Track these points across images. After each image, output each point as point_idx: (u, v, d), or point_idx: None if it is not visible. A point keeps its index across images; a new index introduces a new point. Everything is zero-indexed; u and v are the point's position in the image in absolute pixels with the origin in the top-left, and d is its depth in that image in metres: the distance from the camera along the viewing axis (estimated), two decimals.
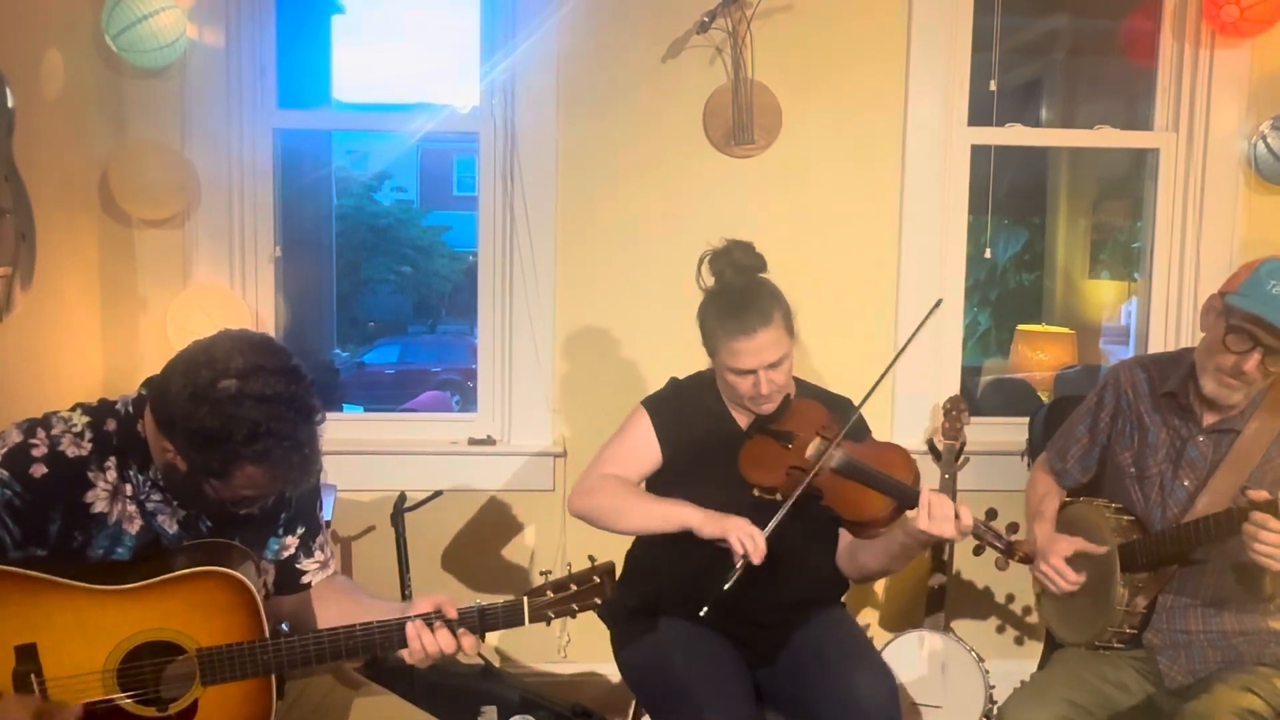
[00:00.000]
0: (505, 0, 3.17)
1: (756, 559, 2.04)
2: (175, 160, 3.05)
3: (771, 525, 2.10)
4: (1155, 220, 3.41)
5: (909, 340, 2.29)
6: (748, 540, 2.05)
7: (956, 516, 2.02)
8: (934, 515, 2.01)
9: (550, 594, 1.79)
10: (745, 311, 2.19)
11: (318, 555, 1.95)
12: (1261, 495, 2.01)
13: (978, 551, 2.15)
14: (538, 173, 3.19)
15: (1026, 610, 3.41)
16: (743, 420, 2.35)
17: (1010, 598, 3.42)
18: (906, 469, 2.12)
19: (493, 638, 3.30)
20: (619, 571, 2.39)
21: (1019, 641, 3.43)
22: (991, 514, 2.13)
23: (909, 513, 2.08)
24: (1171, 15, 3.32)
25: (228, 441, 1.60)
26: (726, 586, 2.05)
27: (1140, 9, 3.61)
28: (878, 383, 2.30)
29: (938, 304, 2.40)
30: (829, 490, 2.14)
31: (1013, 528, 2.08)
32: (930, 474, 3.22)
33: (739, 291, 2.25)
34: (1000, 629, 3.43)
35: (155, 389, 1.69)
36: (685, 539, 2.18)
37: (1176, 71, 3.34)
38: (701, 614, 2.08)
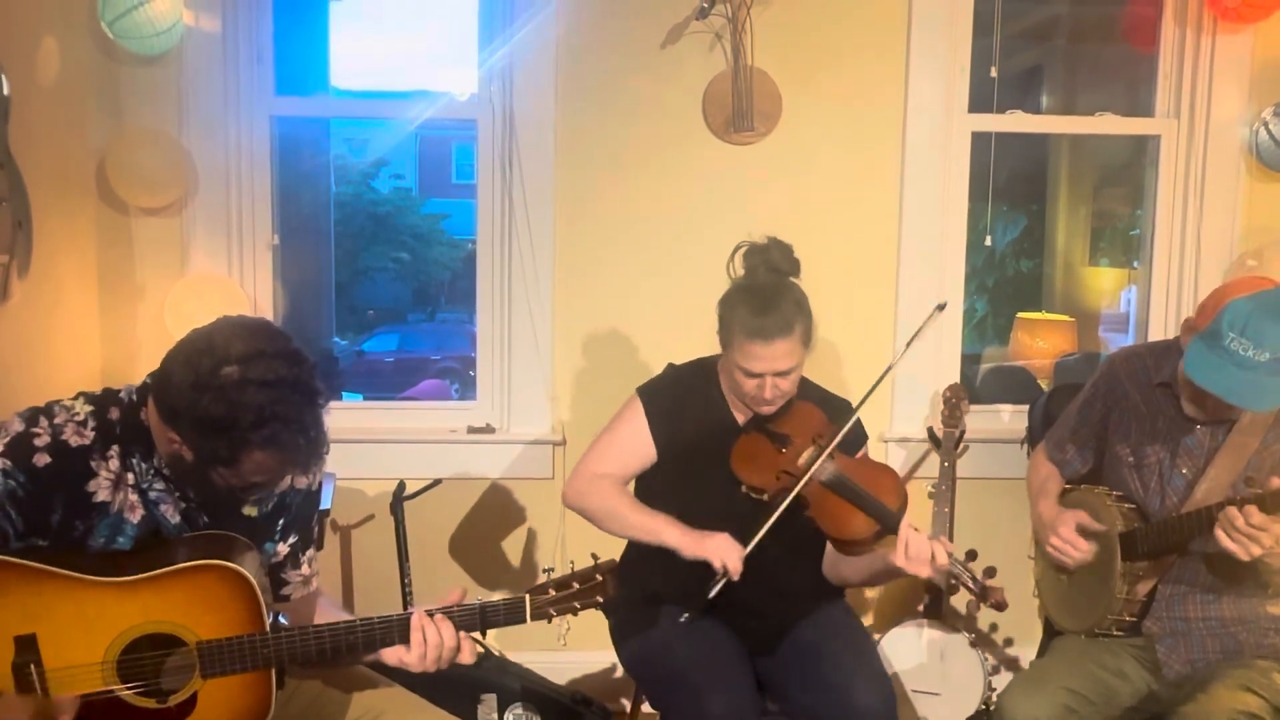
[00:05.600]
0: None
1: (734, 576, 2.10)
2: (172, 148, 3.03)
3: (754, 542, 2.13)
4: (1156, 207, 3.39)
5: (910, 341, 2.27)
6: (729, 560, 2.10)
7: (933, 556, 2.01)
8: (910, 555, 2.01)
9: (552, 592, 1.79)
10: (768, 316, 2.17)
11: (304, 569, 1.93)
12: (1270, 485, 2.00)
13: (951, 591, 2.14)
14: (536, 160, 3.17)
15: (1025, 605, 3.40)
16: (740, 416, 2.35)
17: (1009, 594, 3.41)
18: (895, 494, 2.11)
19: None
20: (620, 559, 2.41)
21: (1018, 632, 3.43)
22: (971, 555, 2.13)
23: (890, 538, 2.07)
24: (1173, 1, 3.30)
25: (233, 428, 1.59)
26: (710, 596, 2.11)
27: None
28: (874, 387, 2.29)
29: (941, 307, 2.39)
30: (815, 502, 2.14)
31: (989, 572, 2.07)
32: (931, 462, 3.22)
33: (767, 293, 2.21)
34: (999, 619, 3.43)
35: (157, 380, 1.67)
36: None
37: (1178, 58, 3.32)
38: (682, 619, 2.15)
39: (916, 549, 2.01)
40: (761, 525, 2.13)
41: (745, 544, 2.12)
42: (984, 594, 2.04)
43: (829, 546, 2.33)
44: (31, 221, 2.60)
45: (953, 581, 2.08)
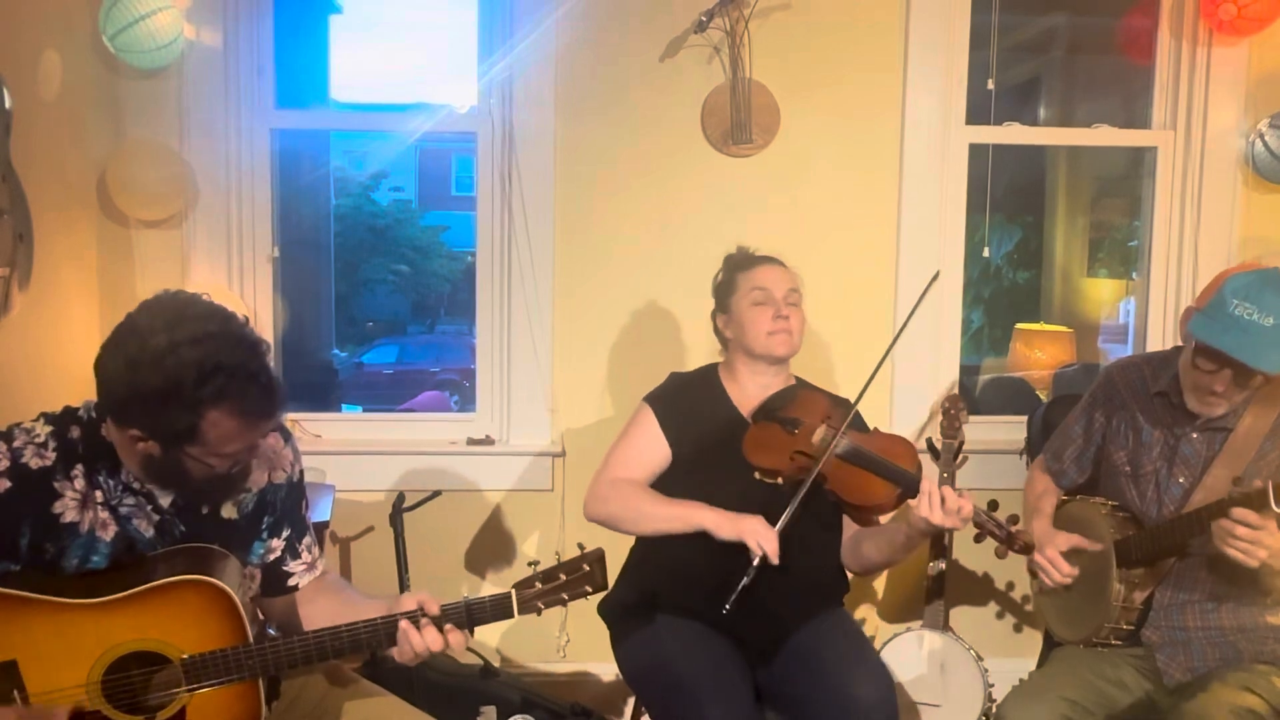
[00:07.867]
0: None
1: (773, 559, 2.11)
2: (173, 160, 3.04)
3: (783, 521, 2.14)
4: (1153, 219, 3.41)
5: (910, 315, 2.40)
6: (765, 542, 2.11)
7: (959, 508, 2.07)
8: (934, 506, 2.07)
9: (539, 585, 1.77)
10: (764, 257, 2.44)
11: (305, 556, 1.93)
12: (1254, 485, 2.02)
13: (978, 539, 2.17)
14: (536, 172, 3.18)
15: (1026, 600, 3.41)
16: (746, 410, 2.39)
17: (1010, 585, 3.41)
18: (910, 458, 2.19)
19: (491, 638, 3.30)
20: (621, 567, 2.42)
21: (1017, 628, 3.43)
22: (993, 505, 2.17)
23: (910, 502, 2.12)
24: (1169, 13, 3.32)
25: (178, 393, 1.57)
26: (745, 582, 2.10)
27: (1138, 7, 3.61)
28: (880, 364, 2.35)
29: (936, 276, 2.59)
30: (834, 476, 2.19)
31: (1013, 519, 2.11)
32: (929, 473, 3.21)
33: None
34: (999, 616, 3.43)
35: (97, 384, 1.65)
36: (695, 536, 2.20)
37: (1174, 70, 3.34)
38: (725, 610, 2.12)
39: (951, 500, 2.06)
40: (780, 510, 2.16)
41: (773, 525, 2.15)
42: (1010, 539, 2.09)
43: (846, 532, 2.37)
44: (33, 234, 2.61)
45: (978, 531, 2.12)
